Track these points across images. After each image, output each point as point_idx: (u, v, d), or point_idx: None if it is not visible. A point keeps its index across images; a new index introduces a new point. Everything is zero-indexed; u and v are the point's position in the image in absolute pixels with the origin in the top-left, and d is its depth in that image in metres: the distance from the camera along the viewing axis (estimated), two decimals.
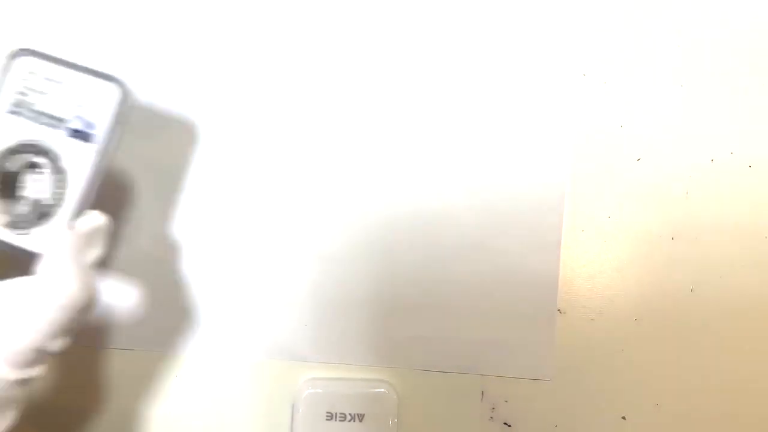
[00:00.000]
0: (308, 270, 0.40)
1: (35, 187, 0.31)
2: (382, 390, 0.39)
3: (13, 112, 0.32)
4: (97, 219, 0.31)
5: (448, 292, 0.40)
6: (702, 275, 0.40)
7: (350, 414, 0.39)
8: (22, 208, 0.31)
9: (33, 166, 0.31)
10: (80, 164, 0.31)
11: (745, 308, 0.40)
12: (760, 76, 0.40)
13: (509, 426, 0.40)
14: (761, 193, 0.40)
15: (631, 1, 0.40)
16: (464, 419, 0.40)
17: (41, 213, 0.31)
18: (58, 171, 0.32)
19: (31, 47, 0.32)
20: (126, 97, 0.32)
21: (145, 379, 0.40)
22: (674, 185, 0.40)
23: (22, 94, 0.32)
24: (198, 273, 0.40)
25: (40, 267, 0.29)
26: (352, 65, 0.40)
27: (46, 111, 0.32)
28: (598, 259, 0.40)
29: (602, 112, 0.40)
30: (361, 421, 0.39)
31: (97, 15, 0.40)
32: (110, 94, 0.32)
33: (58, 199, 0.31)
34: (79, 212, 0.31)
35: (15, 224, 0.31)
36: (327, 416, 0.39)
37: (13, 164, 0.31)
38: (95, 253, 0.31)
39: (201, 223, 0.40)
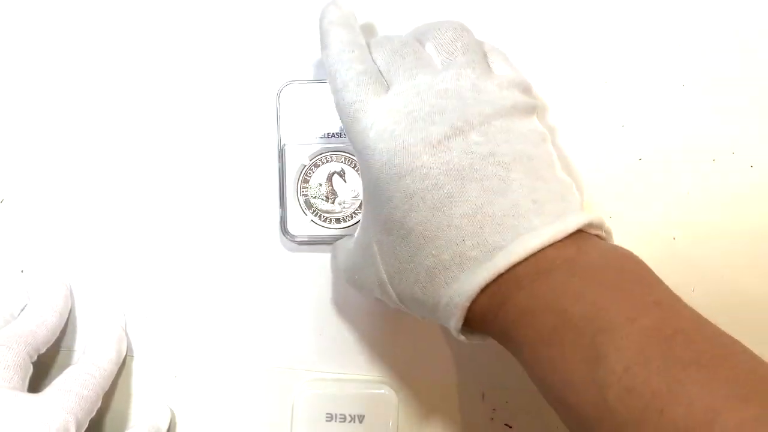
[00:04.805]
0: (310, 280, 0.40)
1: (346, 187, 0.38)
2: (382, 391, 0.39)
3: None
4: None
5: None
6: (703, 276, 0.40)
7: (350, 415, 0.39)
8: (340, 207, 0.38)
9: (338, 172, 0.38)
10: None
11: (747, 309, 0.40)
12: (761, 75, 0.40)
13: (510, 427, 0.40)
14: (763, 193, 0.40)
15: (632, 1, 0.40)
16: (465, 420, 0.40)
17: (357, 207, 0.38)
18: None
19: (291, 78, 0.38)
20: None
21: (145, 381, 0.40)
22: (675, 185, 0.40)
23: (302, 121, 0.38)
24: (199, 278, 0.40)
25: None
26: None
27: (329, 129, 0.38)
28: None
29: (603, 112, 0.40)
30: (361, 422, 0.39)
31: None
32: None
33: None
34: None
35: (338, 220, 0.39)
36: (327, 417, 0.39)
37: (321, 177, 0.38)
38: None
39: (202, 227, 0.40)
